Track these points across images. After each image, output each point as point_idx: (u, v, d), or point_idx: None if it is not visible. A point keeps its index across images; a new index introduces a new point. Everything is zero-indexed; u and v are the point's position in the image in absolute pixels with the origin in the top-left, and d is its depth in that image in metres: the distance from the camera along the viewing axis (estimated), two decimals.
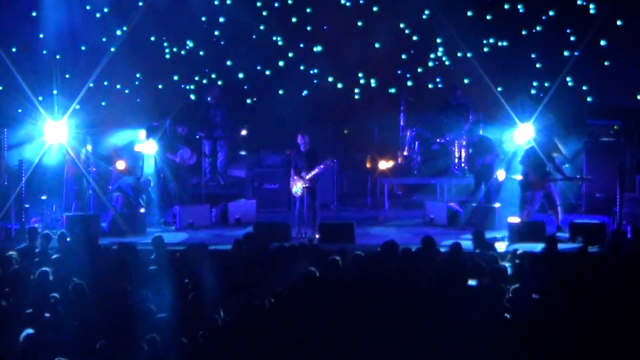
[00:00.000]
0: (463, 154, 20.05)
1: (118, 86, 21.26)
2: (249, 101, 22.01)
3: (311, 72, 21.70)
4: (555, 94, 19.64)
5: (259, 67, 21.71)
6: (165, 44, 21.67)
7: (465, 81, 21.02)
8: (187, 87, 21.96)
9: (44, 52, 20.78)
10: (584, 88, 20.69)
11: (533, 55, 20.74)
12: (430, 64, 21.52)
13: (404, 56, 21.63)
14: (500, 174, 18.03)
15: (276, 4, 21.65)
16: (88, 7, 20.85)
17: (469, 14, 20.97)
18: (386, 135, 21.36)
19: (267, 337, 9.84)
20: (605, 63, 20.38)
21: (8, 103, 19.40)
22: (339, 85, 21.66)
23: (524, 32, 20.81)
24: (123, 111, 20.33)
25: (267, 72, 21.76)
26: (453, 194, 19.59)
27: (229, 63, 21.73)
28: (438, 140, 20.29)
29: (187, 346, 9.53)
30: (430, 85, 21.59)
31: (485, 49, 21.03)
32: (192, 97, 21.79)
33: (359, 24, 21.43)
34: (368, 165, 20.61)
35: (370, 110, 21.58)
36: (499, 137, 18.36)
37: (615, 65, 20.47)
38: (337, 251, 12.30)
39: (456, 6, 20.74)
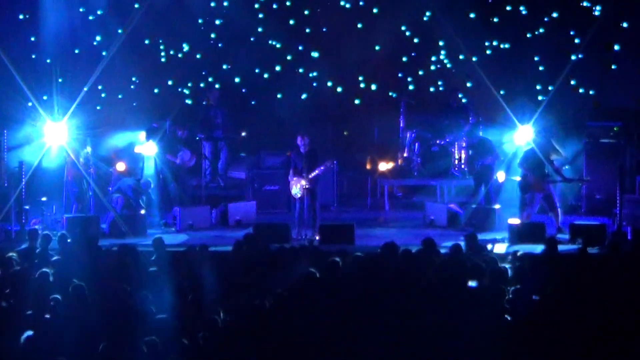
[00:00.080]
0: (463, 156, 20.05)
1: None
2: (249, 103, 21.98)
3: (310, 75, 21.66)
4: (555, 96, 19.68)
5: (257, 70, 21.67)
6: (162, 47, 21.63)
7: (468, 85, 20.99)
8: (186, 90, 21.90)
9: (43, 53, 20.76)
10: (584, 89, 20.66)
11: (536, 58, 20.69)
12: (433, 67, 21.45)
13: (404, 59, 21.59)
14: (500, 176, 18.04)
15: (275, 5, 21.60)
16: (81, 9, 20.79)
17: (471, 15, 20.91)
18: (386, 137, 21.35)
19: (267, 338, 9.84)
20: (613, 67, 20.33)
21: (8, 104, 19.40)
22: (339, 89, 21.61)
23: (528, 35, 20.74)
24: (123, 113, 20.32)
25: (266, 75, 21.71)
26: (453, 195, 19.60)
27: (227, 66, 21.69)
28: (438, 141, 20.29)
29: (187, 347, 9.53)
30: (431, 89, 21.53)
31: (488, 52, 20.99)
32: (189, 101, 21.73)
33: (359, 25, 21.40)
34: (368, 166, 20.62)
35: (370, 112, 21.59)
36: (498, 138, 18.36)
37: (616, 66, 20.47)
38: (337, 252, 12.30)
39: (457, 7, 20.70)
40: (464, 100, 20.74)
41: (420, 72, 21.60)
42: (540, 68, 20.70)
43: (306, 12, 21.65)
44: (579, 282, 11.28)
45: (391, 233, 16.38)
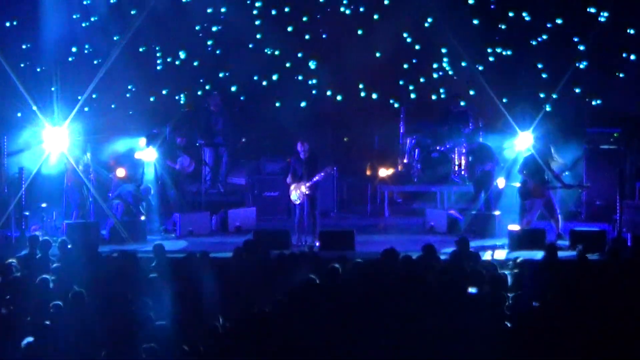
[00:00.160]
0: (463, 162, 20.06)
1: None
2: (249, 109, 21.97)
3: (310, 82, 21.63)
4: (556, 102, 19.70)
5: (256, 77, 21.65)
6: (159, 54, 21.62)
7: (471, 93, 20.96)
8: (182, 98, 21.91)
9: (42, 59, 20.76)
10: (586, 96, 20.65)
11: (540, 65, 20.67)
12: (435, 75, 21.42)
13: (405, 65, 21.57)
14: (500, 182, 18.04)
15: (273, 12, 21.58)
16: (75, 16, 20.77)
17: (474, 22, 20.85)
18: (386, 143, 21.36)
19: (268, 344, 9.83)
20: (620, 75, 20.33)
21: (8, 110, 19.41)
22: (338, 98, 21.59)
23: (533, 43, 20.71)
24: (123, 119, 20.32)
25: (264, 83, 21.69)
26: (453, 201, 19.60)
27: (226, 74, 21.67)
28: (438, 147, 20.30)
29: (187, 354, 9.52)
30: (434, 97, 21.50)
31: (491, 58, 20.96)
32: (183, 109, 21.71)
33: (359, 32, 21.40)
34: (368, 172, 20.63)
35: (370, 118, 21.58)
36: (499, 144, 18.37)
37: (612, 72, 20.49)
38: (337, 259, 12.30)
39: (458, 14, 20.65)
40: (462, 104, 20.73)
41: (422, 79, 21.57)
42: (544, 75, 20.66)
43: (304, 19, 21.60)
44: (579, 288, 11.27)
45: (391, 239, 16.35)
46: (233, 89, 21.58)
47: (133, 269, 12.48)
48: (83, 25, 20.95)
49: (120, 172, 18.03)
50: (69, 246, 14.06)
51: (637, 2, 20.24)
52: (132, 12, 20.78)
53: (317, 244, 16.21)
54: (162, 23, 20.77)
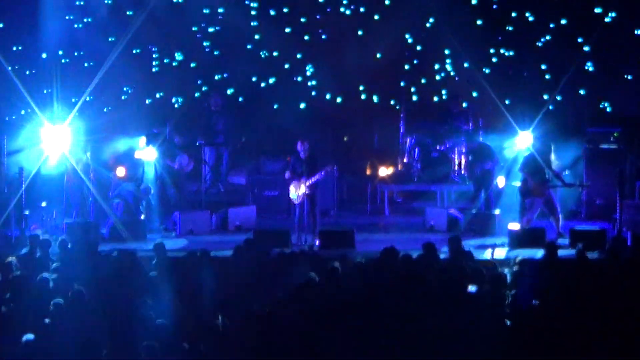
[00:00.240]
0: (463, 161, 20.06)
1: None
2: (249, 109, 21.94)
3: (309, 84, 21.60)
4: (558, 102, 19.71)
5: (254, 79, 21.61)
6: (156, 55, 21.59)
7: (474, 94, 20.91)
8: (180, 99, 21.90)
9: (42, 58, 20.76)
10: (588, 96, 20.64)
11: (543, 67, 20.63)
12: (438, 77, 21.36)
13: (406, 66, 21.52)
14: (500, 181, 18.04)
15: (272, 12, 21.53)
16: (68, 17, 20.74)
17: (478, 22, 20.78)
18: (386, 142, 21.35)
19: (267, 343, 9.83)
20: (628, 77, 20.30)
21: (7, 109, 19.41)
22: (338, 100, 21.56)
23: (539, 44, 20.66)
24: (124, 118, 20.31)
25: (263, 84, 21.65)
26: (453, 200, 19.60)
27: (225, 75, 21.65)
28: (438, 147, 20.30)
29: (187, 352, 9.53)
30: (435, 98, 21.46)
31: (494, 59, 20.90)
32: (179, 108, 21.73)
33: (360, 32, 21.36)
34: (368, 172, 20.61)
35: (370, 117, 21.57)
36: (498, 144, 18.37)
37: (616, 72, 20.47)
38: (337, 257, 12.31)
39: (460, 14, 20.58)
40: (464, 105, 20.73)
41: (423, 81, 21.52)
42: (547, 76, 20.61)
43: (303, 20, 21.50)
44: (579, 287, 11.27)
45: (391, 238, 16.32)
46: (229, 91, 21.48)
47: (133, 268, 12.48)
48: (76, 26, 20.88)
49: (121, 172, 18.03)
50: (69, 245, 14.07)
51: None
52: (129, 13, 20.74)
53: (317, 243, 16.21)
54: (160, 24, 20.71)
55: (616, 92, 20.42)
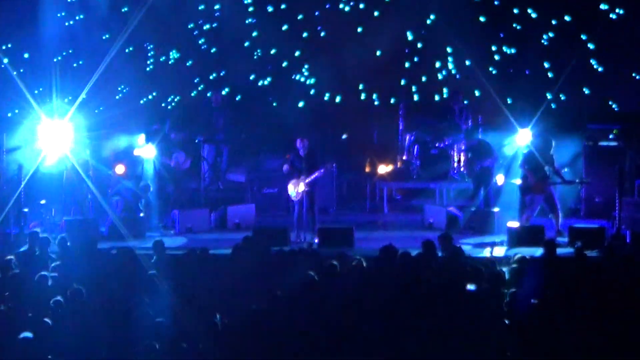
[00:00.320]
0: (462, 158, 20.05)
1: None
2: (248, 106, 21.92)
3: (308, 82, 21.57)
4: (557, 99, 19.70)
5: (252, 77, 21.59)
6: (151, 53, 21.56)
7: (477, 93, 20.86)
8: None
9: (42, 54, 20.73)
10: (587, 93, 20.63)
11: (546, 65, 20.59)
12: (440, 76, 21.31)
13: (407, 64, 21.47)
14: (500, 178, 18.04)
15: (270, 8, 21.48)
16: (59, 14, 20.71)
17: (479, 19, 20.70)
18: (385, 140, 21.34)
19: (267, 341, 9.84)
20: (636, 77, 20.29)
21: (6, 106, 19.39)
22: (337, 99, 21.53)
23: (544, 42, 20.60)
24: (122, 115, 20.29)
25: (260, 83, 21.62)
26: (452, 198, 19.60)
27: (220, 73, 21.63)
28: (437, 144, 20.29)
29: (186, 351, 9.53)
30: (437, 97, 21.43)
31: (496, 57, 20.86)
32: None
33: (359, 29, 21.32)
34: (367, 169, 20.61)
35: (370, 115, 21.56)
36: (498, 141, 18.36)
37: (616, 69, 20.45)
38: (336, 255, 12.30)
39: (461, 11, 20.51)
40: (465, 102, 20.72)
41: (424, 79, 21.48)
42: (550, 75, 20.57)
43: (300, 17, 21.43)
44: (577, 285, 11.27)
45: (390, 236, 16.34)
46: (224, 91, 21.43)
47: (132, 266, 12.48)
48: (68, 24, 20.83)
49: (120, 169, 18.02)
50: (69, 243, 14.06)
51: None
52: (124, 10, 20.70)
53: (316, 240, 16.21)
54: (157, 21, 20.64)
55: (616, 89, 20.40)
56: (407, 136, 20.87)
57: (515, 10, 20.67)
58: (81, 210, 17.55)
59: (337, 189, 19.91)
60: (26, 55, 20.60)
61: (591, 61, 20.27)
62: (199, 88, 21.66)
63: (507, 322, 10.16)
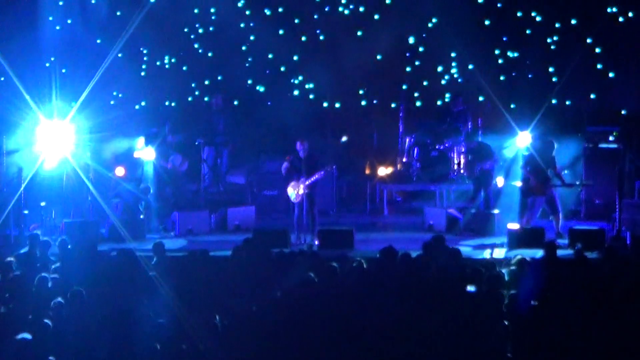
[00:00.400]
0: (462, 160, 20.06)
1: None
2: (248, 109, 21.90)
3: (307, 86, 21.53)
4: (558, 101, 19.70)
5: (250, 81, 21.56)
6: (145, 58, 21.55)
7: (480, 98, 20.80)
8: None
9: (43, 56, 20.73)
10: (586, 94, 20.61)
11: (551, 69, 20.55)
12: (443, 82, 21.26)
13: (408, 69, 21.42)
14: (500, 180, 18.04)
15: (267, 12, 21.44)
16: (49, 17, 20.68)
17: (482, 22, 20.63)
18: (385, 142, 21.34)
19: (266, 343, 9.83)
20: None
21: (6, 109, 19.38)
22: (337, 101, 21.50)
23: (551, 44, 20.52)
24: (122, 118, 20.29)
25: (257, 87, 21.60)
26: (452, 200, 19.60)
27: (218, 77, 21.62)
28: (437, 146, 20.29)
29: (186, 352, 9.53)
30: (439, 102, 21.40)
31: (500, 60, 20.81)
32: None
33: (359, 33, 21.29)
34: (367, 171, 20.62)
35: (370, 117, 21.56)
36: (498, 143, 18.37)
37: (616, 71, 20.45)
38: (336, 257, 12.30)
39: (461, 14, 20.45)
40: (465, 105, 20.71)
41: (425, 83, 21.43)
42: (554, 79, 20.52)
43: (296, 21, 21.39)
44: (577, 287, 11.27)
45: (390, 238, 16.33)
46: (228, 93, 21.44)
47: (132, 268, 12.47)
48: (56, 27, 20.82)
49: (120, 171, 18.03)
50: (69, 246, 14.05)
51: None
52: (118, 13, 20.68)
53: (316, 242, 16.21)
54: (154, 25, 20.58)
55: (614, 91, 20.39)
56: (407, 138, 20.87)
57: (519, 14, 20.64)
58: (81, 213, 17.54)
59: (337, 191, 19.91)
60: (25, 58, 20.59)
61: (594, 63, 20.22)
62: (196, 93, 21.63)
63: (506, 323, 10.16)
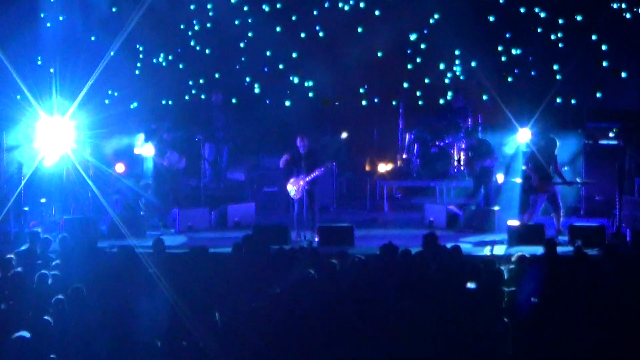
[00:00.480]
0: (462, 157, 20.06)
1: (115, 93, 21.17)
2: (248, 105, 21.90)
3: (306, 84, 21.51)
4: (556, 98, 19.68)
5: (248, 79, 21.54)
6: (141, 56, 21.54)
7: (484, 97, 20.77)
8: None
9: (42, 53, 20.72)
10: (585, 92, 20.60)
11: (555, 67, 20.52)
12: (447, 81, 21.23)
13: (409, 66, 21.39)
14: (500, 177, 18.04)
15: (266, 8, 21.39)
16: (41, 14, 20.67)
17: (484, 19, 20.60)
18: (385, 138, 21.34)
19: (266, 339, 9.84)
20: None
21: (6, 105, 19.38)
22: (337, 96, 21.49)
23: (557, 42, 20.49)
24: (123, 114, 20.29)
25: (257, 85, 21.60)
26: (452, 196, 19.61)
27: (218, 75, 21.62)
28: (437, 143, 20.30)
29: (186, 349, 9.53)
30: (441, 101, 21.38)
31: (503, 58, 20.77)
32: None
33: (359, 29, 21.26)
34: (367, 168, 20.64)
35: (370, 114, 21.55)
36: (498, 140, 18.36)
37: (616, 67, 20.43)
38: (336, 254, 12.30)
39: (463, 11, 20.40)
40: (465, 101, 20.70)
41: (427, 80, 21.40)
42: (558, 77, 20.48)
43: (294, 18, 21.38)
44: (577, 284, 11.27)
45: (390, 234, 16.36)
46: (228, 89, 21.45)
47: (132, 264, 12.47)
48: (46, 26, 20.79)
49: (120, 168, 18.03)
50: (70, 243, 14.06)
51: None
52: (113, 9, 20.65)
53: (316, 239, 16.21)
54: (152, 22, 20.55)
55: (615, 88, 20.39)
56: (407, 135, 20.88)
57: (522, 10, 20.62)
58: (81, 209, 17.55)
59: (337, 188, 19.92)
60: (24, 55, 20.59)
61: (599, 61, 20.19)
62: (193, 92, 21.62)
63: (506, 320, 10.16)
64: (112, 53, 19.76)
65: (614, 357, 9.67)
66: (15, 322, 10.25)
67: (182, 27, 21.42)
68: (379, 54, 21.00)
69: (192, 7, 21.26)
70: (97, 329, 10.06)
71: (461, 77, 21.17)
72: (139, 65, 21.48)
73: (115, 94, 21.15)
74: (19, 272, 12.07)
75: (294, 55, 21.34)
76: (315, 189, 16.74)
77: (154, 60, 21.58)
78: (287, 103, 21.26)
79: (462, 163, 20.04)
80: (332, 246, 14.85)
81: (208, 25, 21.42)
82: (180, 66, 21.53)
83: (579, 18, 20.19)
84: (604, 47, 20.13)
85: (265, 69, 21.48)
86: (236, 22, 21.23)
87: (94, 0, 20.86)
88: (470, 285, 11.11)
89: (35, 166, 17.29)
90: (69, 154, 17.35)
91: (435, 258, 12.49)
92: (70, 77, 19.95)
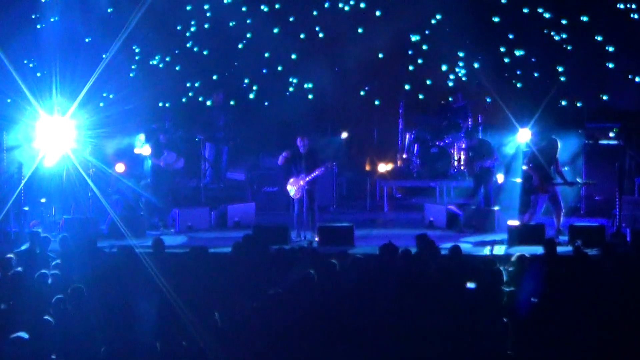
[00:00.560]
0: (462, 157, 20.06)
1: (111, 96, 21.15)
2: (249, 105, 21.90)
3: (306, 85, 21.51)
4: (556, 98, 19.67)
5: (246, 81, 21.55)
6: (137, 57, 21.55)
7: (487, 100, 20.74)
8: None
9: (42, 53, 20.72)
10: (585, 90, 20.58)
11: (560, 69, 20.50)
12: (449, 83, 21.20)
13: (411, 67, 21.36)
14: (500, 177, 18.04)
15: (265, 9, 21.36)
16: (34, 16, 20.69)
17: (487, 19, 20.51)
18: (385, 138, 21.35)
19: (266, 339, 9.84)
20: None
21: (6, 105, 19.39)
22: (337, 97, 21.48)
23: (561, 42, 20.46)
24: (123, 114, 20.27)
25: (255, 87, 21.61)
26: (452, 196, 19.61)
27: (216, 76, 21.63)
28: (437, 143, 20.30)
29: (186, 349, 9.53)
30: (442, 102, 21.35)
31: (506, 59, 20.75)
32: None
33: (360, 30, 21.24)
34: (367, 168, 20.64)
35: (370, 113, 21.55)
36: (498, 140, 18.37)
37: (616, 67, 20.41)
38: (336, 254, 12.31)
39: (465, 11, 20.35)
40: (465, 101, 20.70)
41: (428, 82, 21.37)
42: (562, 79, 20.47)
43: (291, 19, 21.35)
44: (577, 283, 11.28)
45: (390, 234, 16.37)
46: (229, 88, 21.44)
47: (132, 264, 12.48)
48: (46, 26, 20.81)
49: (120, 168, 18.03)
50: (70, 242, 14.07)
51: None
52: (109, 10, 20.65)
53: (316, 239, 16.21)
54: (149, 23, 20.50)
55: (615, 87, 20.38)
56: (407, 135, 20.89)
57: (525, 10, 20.59)
58: (81, 209, 17.55)
59: (337, 188, 19.93)
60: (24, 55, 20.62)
61: (598, 60, 20.17)
62: (190, 94, 21.62)
63: (506, 320, 10.16)
64: (104, 56, 19.80)
65: (614, 357, 9.66)
66: (15, 322, 10.25)
67: (179, 28, 21.36)
68: (380, 55, 20.94)
69: (188, 7, 21.20)
70: (97, 329, 10.06)
71: (463, 79, 21.12)
72: (133, 67, 21.42)
73: (111, 96, 21.11)
74: (19, 272, 12.08)
75: (293, 56, 21.30)
76: (315, 189, 16.75)
77: (152, 62, 21.55)
78: (288, 103, 21.22)
79: (462, 163, 20.05)
80: (332, 246, 14.87)
81: (206, 26, 21.37)
82: (177, 68, 21.51)
83: (584, 19, 20.13)
84: (610, 49, 20.07)
85: (264, 70, 21.43)
86: (234, 23, 21.19)
87: (93, 1, 20.87)
88: (470, 285, 11.12)
89: (35, 166, 17.31)
90: (69, 154, 17.36)
91: (435, 258, 12.51)
92: (70, 77, 19.97)
